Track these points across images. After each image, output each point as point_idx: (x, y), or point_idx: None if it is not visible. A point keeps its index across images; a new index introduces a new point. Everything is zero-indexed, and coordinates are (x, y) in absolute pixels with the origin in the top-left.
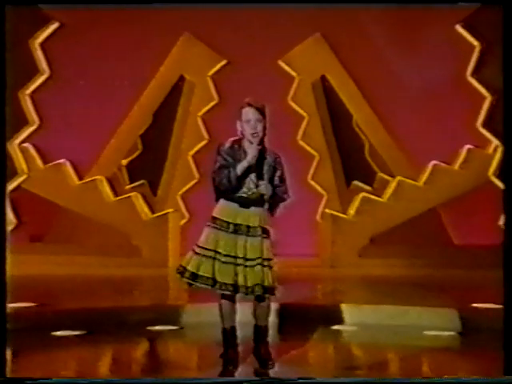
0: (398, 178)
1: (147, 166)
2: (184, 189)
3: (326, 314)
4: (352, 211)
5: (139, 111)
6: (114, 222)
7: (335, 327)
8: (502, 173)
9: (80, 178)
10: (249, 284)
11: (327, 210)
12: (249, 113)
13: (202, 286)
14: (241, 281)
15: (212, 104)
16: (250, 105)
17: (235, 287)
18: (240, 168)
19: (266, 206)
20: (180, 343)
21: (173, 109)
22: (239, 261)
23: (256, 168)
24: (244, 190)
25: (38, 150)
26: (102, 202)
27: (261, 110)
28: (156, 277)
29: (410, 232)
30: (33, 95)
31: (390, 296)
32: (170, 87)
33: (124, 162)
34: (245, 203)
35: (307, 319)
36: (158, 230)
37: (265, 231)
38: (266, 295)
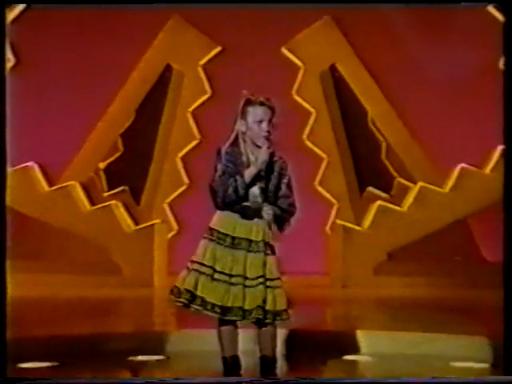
0: (420, 183)
1: (129, 170)
2: (172, 196)
3: (337, 342)
4: (366, 222)
5: (119, 106)
6: (91, 235)
7: (348, 357)
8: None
9: (50, 183)
10: (246, 307)
11: (338, 221)
12: (260, 112)
13: (199, 308)
14: (237, 302)
15: (204, 98)
16: (262, 103)
17: (225, 309)
18: (248, 175)
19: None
20: (167, 375)
21: (158, 104)
22: (235, 280)
23: (264, 174)
24: (249, 199)
25: None
26: (76, 211)
27: (273, 109)
28: (139, 299)
29: (435, 246)
30: None
31: (412, 321)
32: (155, 78)
33: (102, 165)
34: (247, 214)
35: (316, 348)
36: (142, 244)
37: (269, 247)
38: (268, 321)
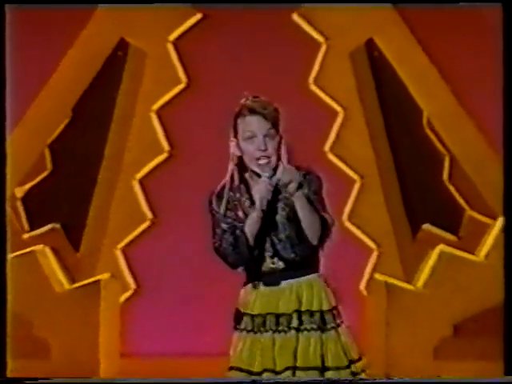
0: (502, 219)
1: (62, 199)
2: (127, 238)
3: None
4: (422, 278)
5: (47, 104)
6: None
7: None
8: None
9: None
10: None
11: (378, 276)
12: (251, 124)
13: None
14: None
15: (176, 90)
16: (252, 111)
17: None
18: (250, 226)
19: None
20: None
21: (107, 99)
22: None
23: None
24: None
25: None
26: None
27: (273, 118)
28: None
29: None
30: None
31: None
32: (101, 61)
33: (19, 191)
34: (270, 277)
35: None
36: (82, 310)
37: (309, 317)
38: None
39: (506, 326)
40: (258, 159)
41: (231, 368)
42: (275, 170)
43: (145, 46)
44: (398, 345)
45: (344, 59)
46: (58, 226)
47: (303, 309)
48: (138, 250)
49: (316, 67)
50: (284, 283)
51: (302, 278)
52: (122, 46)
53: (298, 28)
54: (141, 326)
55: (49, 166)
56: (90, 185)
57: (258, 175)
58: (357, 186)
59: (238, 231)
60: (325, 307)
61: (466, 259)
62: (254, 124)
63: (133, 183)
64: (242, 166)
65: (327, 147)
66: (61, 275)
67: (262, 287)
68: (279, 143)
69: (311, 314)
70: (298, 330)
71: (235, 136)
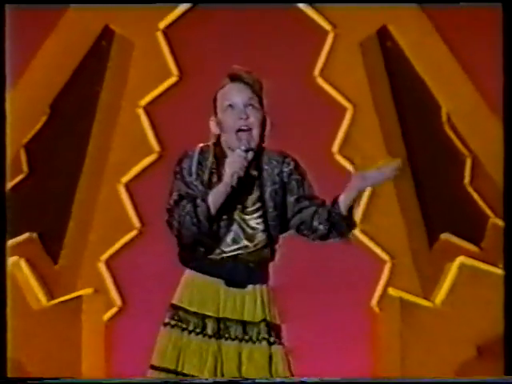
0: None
1: (38, 205)
2: (112, 249)
3: None
4: (441, 293)
5: (23, 100)
6: None
7: None
8: None
9: None
10: None
11: (392, 291)
12: (231, 92)
13: None
14: None
15: (167, 84)
16: (234, 77)
17: None
18: (214, 197)
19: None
20: None
21: (89, 94)
22: None
23: (246, 194)
24: (226, 244)
25: None
26: None
27: (254, 87)
28: None
29: None
30: None
31: None
32: (83, 51)
33: None
34: (235, 277)
35: None
36: (62, 329)
37: (273, 330)
38: None
39: (506, 324)
40: (238, 131)
41: (168, 371)
42: (254, 147)
43: (132, 34)
44: (415, 368)
45: (354, 49)
46: (34, 235)
47: (269, 319)
48: (124, 262)
49: (322, 58)
50: (250, 287)
51: (263, 285)
52: (107, 34)
53: (303, 15)
54: (127, 347)
55: (24, 168)
56: (71, 189)
57: (232, 149)
58: (368, 191)
59: (198, 200)
60: (277, 320)
61: (489, 272)
62: (234, 91)
63: (118, 187)
64: (220, 146)
65: (335, 147)
66: (38, 290)
67: (224, 287)
68: (263, 119)
69: (273, 325)
70: (268, 341)
71: (215, 110)
